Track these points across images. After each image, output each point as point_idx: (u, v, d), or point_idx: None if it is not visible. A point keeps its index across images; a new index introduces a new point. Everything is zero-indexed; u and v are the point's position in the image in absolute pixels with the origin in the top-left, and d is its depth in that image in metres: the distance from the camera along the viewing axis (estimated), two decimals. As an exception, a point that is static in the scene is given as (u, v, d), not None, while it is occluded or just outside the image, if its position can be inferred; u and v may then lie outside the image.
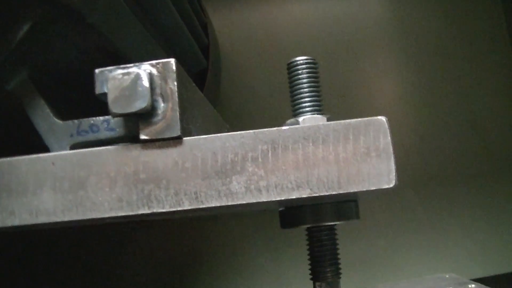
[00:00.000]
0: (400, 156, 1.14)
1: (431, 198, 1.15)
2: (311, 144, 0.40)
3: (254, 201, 0.40)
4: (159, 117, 0.41)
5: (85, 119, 0.51)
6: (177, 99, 0.41)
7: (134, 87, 0.41)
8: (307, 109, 0.63)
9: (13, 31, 0.50)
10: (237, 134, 0.41)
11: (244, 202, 0.41)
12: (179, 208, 0.41)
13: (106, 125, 0.49)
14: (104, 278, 1.12)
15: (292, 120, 0.62)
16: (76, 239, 1.13)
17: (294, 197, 0.40)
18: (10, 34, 0.51)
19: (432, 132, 1.18)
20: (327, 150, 0.40)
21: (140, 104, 0.41)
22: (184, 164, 0.41)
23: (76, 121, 0.51)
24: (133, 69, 0.42)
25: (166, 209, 0.42)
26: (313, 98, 0.63)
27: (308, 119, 0.61)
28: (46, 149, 0.51)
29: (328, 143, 0.40)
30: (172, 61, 0.42)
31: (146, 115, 0.41)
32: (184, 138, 0.42)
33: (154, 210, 0.42)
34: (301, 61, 0.57)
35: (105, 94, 0.42)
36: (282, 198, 0.40)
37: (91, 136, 0.51)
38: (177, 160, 0.41)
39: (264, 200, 0.40)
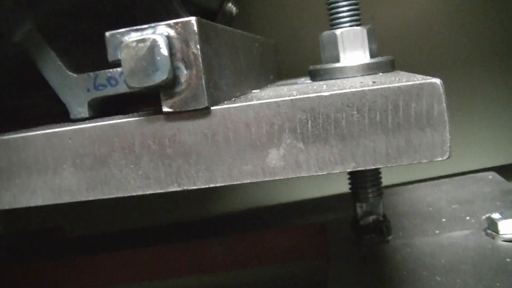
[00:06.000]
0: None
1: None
2: (356, 112, 0.36)
3: (293, 176, 0.37)
4: (183, 86, 0.37)
5: (102, 72, 0.47)
6: (201, 65, 0.36)
7: (152, 57, 0.36)
8: (345, 19, 0.58)
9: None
10: (272, 102, 0.37)
11: (282, 178, 0.37)
12: (211, 185, 0.38)
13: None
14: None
15: (328, 32, 0.57)
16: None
17: (337, 171, 0.36)
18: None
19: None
20: (374, 119, 0.36)
21: (160, 76, 0.36)
22: (214, 137, 0.37)
23: (91, 74, 0.47)
24: (148, 32, 0.37)
25: (198, 186, 0.38)
26: (352, 7, 0.58)
27: (347, 32, 0.56)
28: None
29: (375, 111, 0.35)
30: (193, 20, 0.37)
31: (168, 85, 0.37)
32: (212, 108, 0.37)
33: (185, 187, 0.38)
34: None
35: (119, 61, 0.37)
36: (324, 173, 0.37)
37: (109, 90, 0.47)
38: (206, 133, 0.38)
39: (305, 175, 0.37)
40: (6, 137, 0.41)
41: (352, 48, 0.57)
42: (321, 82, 0.50)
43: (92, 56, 0.50)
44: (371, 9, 1.10)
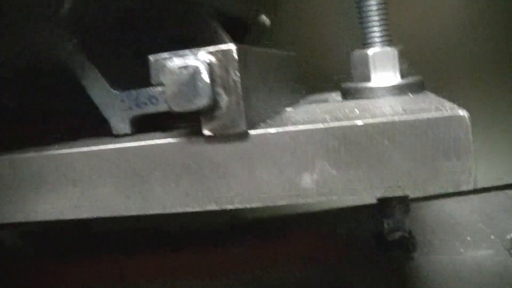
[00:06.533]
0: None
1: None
2: (386, 141, 0.37)
3: (325, 199, 0.39)
4: (222, 111, 0.39)
5: (143, 90, 0.49)
6: (241, 92, 0.39)
7: (194, 83, 0.38)
8: (377, 39, 0.60)
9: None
10: (307, 129, 0.39)
11: (314, 201, 0.39)
12: (247, 205, 0.40)
13: (165, 96, 0.47)
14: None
15: (360, 51, 0.59)
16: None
17: (366, 196, 0.38)
18: None
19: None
20: (403, 147, 0.37)
21: (201, 101, 0.38)
22: (251, 160, 0.40)
23: (133, 91, 0.49)
24: (190, 58, 0.39)
25: (235, 206, 0.40)
26: (384, 28, 0.60)
27: (378, 53, 0.58)
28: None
29: (404, 140, 0.37)
30: (233, 48, 0.39)
31: (208, 110, 0.39)
32: (250, 133, 0.39)
33: (223, 207, 0.41)
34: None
35: (161, 83, 0.40)
36: (354, 196, 0.38)
37: (150, 108, 0.49)
38: (243, 156, 0.40)
39: (335, 199, 0.39)
40: (53, 152, 0.44)
41: (383, 69, 0.58)
42: (352, 103, 0.52)
43: (130, 72, 0.52)
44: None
